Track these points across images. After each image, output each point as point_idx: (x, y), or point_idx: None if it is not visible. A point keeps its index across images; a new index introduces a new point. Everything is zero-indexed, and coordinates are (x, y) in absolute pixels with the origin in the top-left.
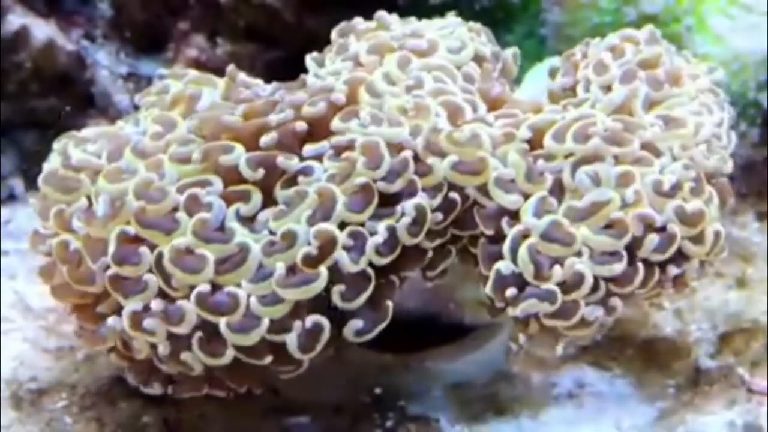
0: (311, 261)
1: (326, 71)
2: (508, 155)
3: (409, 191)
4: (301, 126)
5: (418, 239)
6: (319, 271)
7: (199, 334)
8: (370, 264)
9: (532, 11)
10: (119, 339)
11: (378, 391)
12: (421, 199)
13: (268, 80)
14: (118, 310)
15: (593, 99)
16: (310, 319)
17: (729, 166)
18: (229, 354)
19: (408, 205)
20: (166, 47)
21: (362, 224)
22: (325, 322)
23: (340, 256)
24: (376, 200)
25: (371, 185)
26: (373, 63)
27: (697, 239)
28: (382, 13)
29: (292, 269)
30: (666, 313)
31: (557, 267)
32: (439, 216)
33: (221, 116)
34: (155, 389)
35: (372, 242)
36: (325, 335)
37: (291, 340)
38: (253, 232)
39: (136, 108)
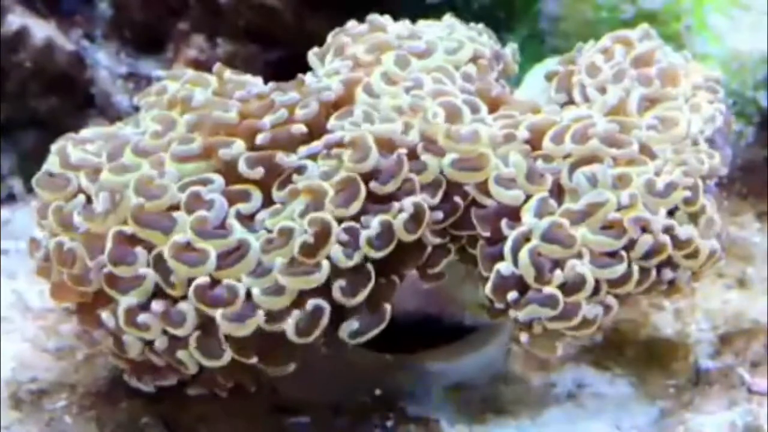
0: (309, 249)
1: (325, 71)
2: (509, 155)
3: (408, 190)
4: (298, 128)
5: (416, 235)
6: (321, 262)
7: (197, 333)
8: (368, 259)
9: (533, 11)
10: (112, 337)
11: (378, 391)
12: (420, 197)
13: (268, 80)
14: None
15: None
16: (311, 303)
17: (724, 168)
18: (227, 355)
19: (407, 202)
20: (166, 47)
21: (355, 219)
22: (325, 305)
23: (335, 250)
24: (362, 194)
25: (356, 179)
26: (371, 62)
27: (691, 255)
28: (374, 16)
29: (292, 262)
30: (666, 314)
31: (558, 271)
32: (440, 215)
33: (215, 114)
34: (148, 386)
35: (365, 234)
36: (325, 320)
37: (289, 324)
38: (251, 231)
39: (136, 109)
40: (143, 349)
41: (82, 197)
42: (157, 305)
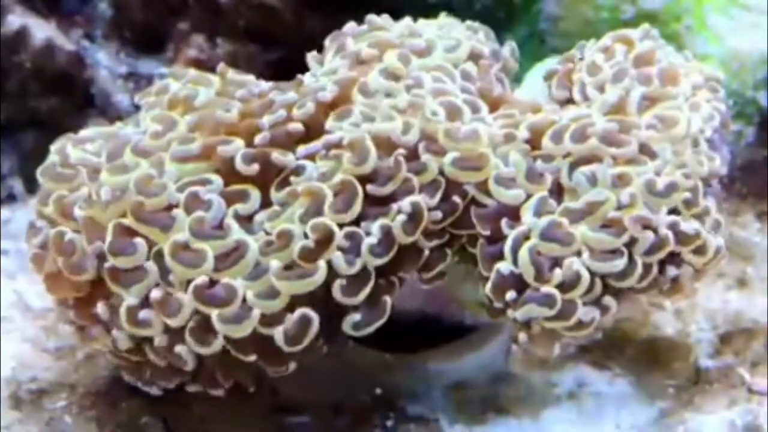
0: (309, 254)
1: (323, 71)
2: (509, 155)
3: (406, 190)
4: (294, 127)
5: (414, 237)
6: (318, 265)
7: (191, 324)
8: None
9: (533, 11)
10: (105, 330)
11: (378, 391)
12: (418, 196)
13: (268, 80)
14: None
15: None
16: (299, 312)
17: (723, 168)
18: (218, 342)
19: (405, 203)
20: (166, 47)
21: (353, 223)
22: (313, 315)
23: (336, 257)
24: (360, 197)
25: (353, 182)
26: (372, 60)
27: (698, 250)
28: (372, 16)
29: (290, 266)
30: (666, 313)
31: (557, 269)
32: (438, 215)
33: (218, 113)
34: (151, 389)
35: (366, 243)
36: (314, 329)
37: (278, 332)
38: (249, 232)
39: (137, 108)
40: (137, 345)
41: (85, 189)
42: (156, 293)
